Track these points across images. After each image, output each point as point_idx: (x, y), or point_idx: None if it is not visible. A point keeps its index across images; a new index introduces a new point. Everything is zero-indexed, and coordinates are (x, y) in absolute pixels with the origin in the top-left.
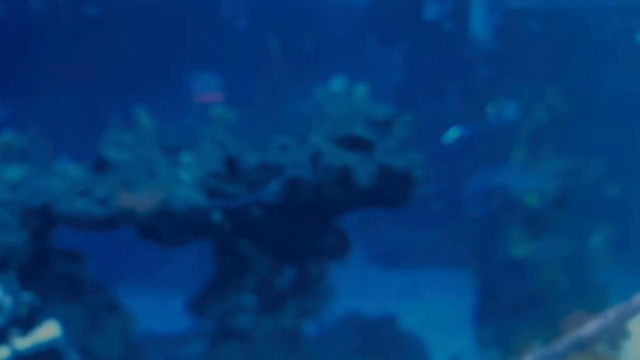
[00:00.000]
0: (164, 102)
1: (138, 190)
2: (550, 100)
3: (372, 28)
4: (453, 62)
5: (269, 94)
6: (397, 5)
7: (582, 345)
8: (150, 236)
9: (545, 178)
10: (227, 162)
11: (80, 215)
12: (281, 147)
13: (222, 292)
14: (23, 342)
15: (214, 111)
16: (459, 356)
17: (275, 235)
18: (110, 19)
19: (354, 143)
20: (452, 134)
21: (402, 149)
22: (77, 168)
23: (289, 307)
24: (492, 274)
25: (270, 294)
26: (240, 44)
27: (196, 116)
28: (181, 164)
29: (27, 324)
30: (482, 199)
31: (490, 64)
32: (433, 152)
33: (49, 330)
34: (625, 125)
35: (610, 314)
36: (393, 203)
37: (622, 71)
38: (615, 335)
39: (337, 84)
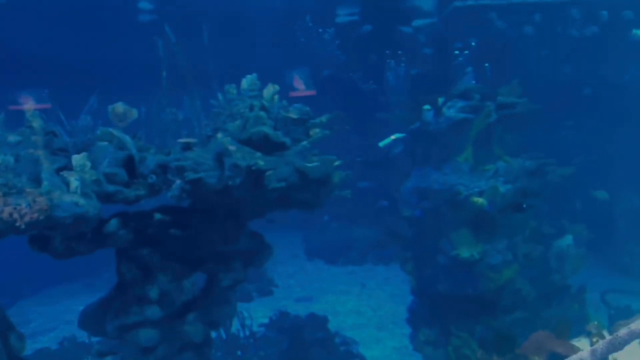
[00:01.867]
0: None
1: (19, 198)
2: (503, 98)
3: None
4: None
5: None
6: None
7: None
8: (41, 246)
9: (498, 179)
10: (126, 164)
11: None
12: (184, 148)
13: (122, 304)
14: None
15: (113, 109)
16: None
17: (180, 242)
18: None
19: (263, 144)
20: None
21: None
22: None
23: (195, 319)
24: (431, 276)
25: (174, 305)
26: None
27: (92, 115)
28: (72, 167)
29: None
30: (418, 200)
31: None
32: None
33: None
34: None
35: None
36: (308, 206)
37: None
38: None
39: (248, 81)
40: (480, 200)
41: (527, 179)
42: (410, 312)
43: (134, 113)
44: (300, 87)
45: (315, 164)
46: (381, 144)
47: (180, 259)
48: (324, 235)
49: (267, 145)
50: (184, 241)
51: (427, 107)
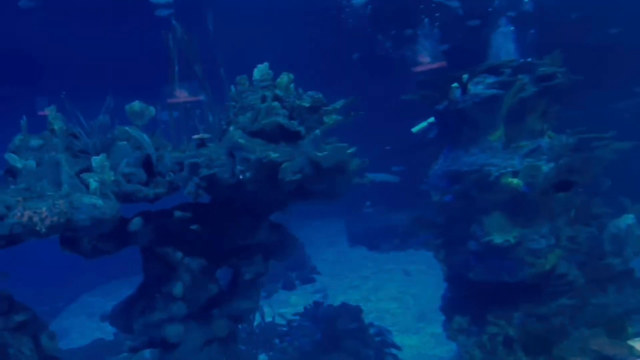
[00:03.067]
0: None
1: (39, 202)
2: (545, 69)
3: None
4: None
5: None
6: None
7: None
8: (71, 247)
9: (540, 157)
10: (144, 163)
11: None
12: (199, 145)
13: (148, 302)
14: None
15: (131, 107)
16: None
17: (202, 238)
18: None
19: (278, 134)
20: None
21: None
22: None
23: (219, 313)
24: (463, 263)
25: (199, 301)
26: None
27: (109, 114)
28: (91, 168)
29: None
30: (447, 184)
31: None
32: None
33: None
34: None
35: None
36: (327, 196)
37: None
38: None
39: (259, 72)
40: (514, 181)
41: (572, 156)
42: (443, 299)
43: (152, 111)
44: None
45: (325, 153)
46: (414, 129)
47: (203, 254)
48: (365, 222)
49: (282, 136)
50: (205, 237)
51: (455, 85)
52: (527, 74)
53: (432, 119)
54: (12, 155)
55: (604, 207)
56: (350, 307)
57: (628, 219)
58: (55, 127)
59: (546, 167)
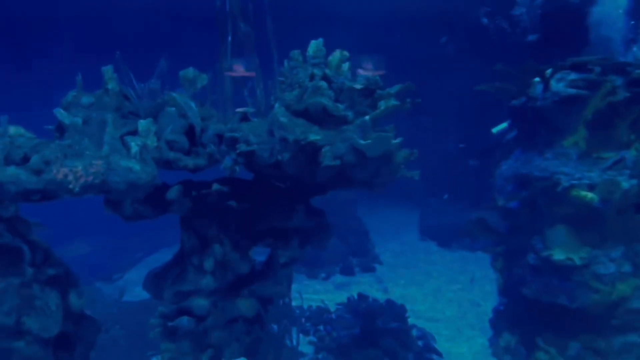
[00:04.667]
0: None
1: (77, 160)
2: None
3: None
4: None
5: None
6: None
7: None
8: (114, 208)
9: (622, 172)
10: (187, 131)
11: (6, 184)
12: (242, 119)
13: (180, 272)
14: None
15: (184, 74)
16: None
17: (238, 214)
18: None
19: (322, 116)
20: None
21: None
22: (19, 129)
23: (249, 293)
24: (520, 277)
25: (228, 278)
26: None
27: (161, 78)
28: (137, 131)
29: None
30: (515, 189)
31: None
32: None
33: None
34: None
35: None
36: (369, 186)
37: None
38: None
39: (313, 47)
40: (588, 195)
41: None
42: (495, 313)
43: (204, 78)
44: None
45: (368, 141)
46: (494, 129)
47: (239, 231)
48: (440, 215)
49: (326, 119)
50: (242, 214)
51: (537, 79)
52: (620, 76)
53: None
54: (61, 110)
55: None
56: (394, 306)
57: None
58: (109, 87)
59: (626, 184)
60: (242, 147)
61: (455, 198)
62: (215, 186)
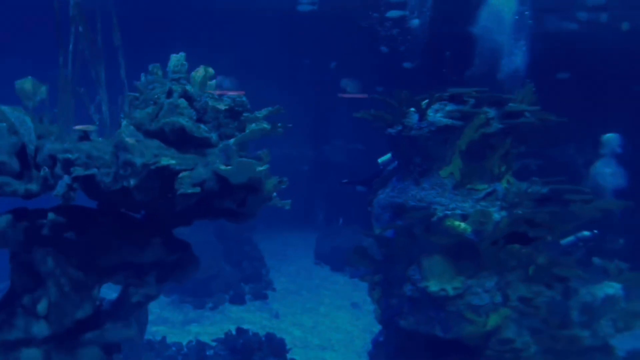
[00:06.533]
0: None
1: None
2: (513, 105)
3: None
4: None
5: None
6: None
7: None
8: None
9: (494, 202)
10: (19, 151)
11: None
12: (81, 137)
13: (7, 316)
14: None
15: (21, 85)
16: None
17: (81, 247)
18: None
19: (182, 138)
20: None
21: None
22: None
23: (92, 339)
24: (397, 307)
25: (66, 322)
26: None
27: None
28: None
29: None
30: (391, 217)
31: None
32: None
33: None
34: None
35: None
36: (236, 216)
37: None
38: None
39: (173, 61)
40: (461, 225)
41: (536, 207)
42: (374, 344)
43: (44, 91)
44: None
45: (229, 167)
46: (380, 159)
47: (82, 267)
48: (334, 240)
49: (187, 141)
50: (86, 247)
51: (412, 109)
52: (495, 108)
53: None
54: None
55: (575, 269)
56: (274, 340)
57: (609, 287)
58: None
59: (497, 215)
60: (78, 171)
61: (352, 221)
62: (51, 215)
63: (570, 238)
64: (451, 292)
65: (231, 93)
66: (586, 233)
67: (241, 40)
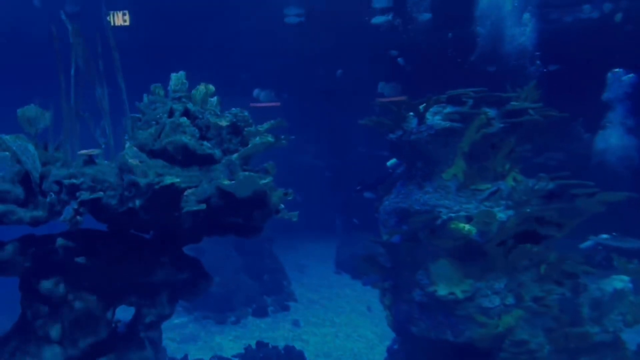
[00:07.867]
0: None
1: None
2: (515, 104)
3: None
4: None
5: None
6: None
7: None
8: None
9: (498, 202)
10: (23, 179)
11: None
12: (86, 162)
13: (19, 343)
14: None
15: (23, 113)
16: None
17: (92, 271)
18: None
19: (185, 157)
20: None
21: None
22: None
23: None
24: (407, 313)
25: (79, 346)
26: None
27: None
28: None
29: None
30: (397, 223)
31: None
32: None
33: None
34: None
35: None
36: (244, 231)
37: None
38: None
39: (174, 81)
40: (465, 227)
41: (543, 204)
42: (389, 352)
43: (47, 117)
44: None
45: (232, 182)
46: (389, 162)
47: (94, 291)
48: (353, 247)
49: (191, 158)
50: (96, 270)
51: (410, 113)
52: (495, 107)
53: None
54: None
55: (583, 264)
56: (293, 352)
57: (618, 281)
58: None
59: (503, 214)
60: (84, 196)
61: (368, 228)
62: (60, 241)
63: (589, 242)
64: (460, 296)
65: (265, 104)
66: (604, 236)
67: (255, 58)
